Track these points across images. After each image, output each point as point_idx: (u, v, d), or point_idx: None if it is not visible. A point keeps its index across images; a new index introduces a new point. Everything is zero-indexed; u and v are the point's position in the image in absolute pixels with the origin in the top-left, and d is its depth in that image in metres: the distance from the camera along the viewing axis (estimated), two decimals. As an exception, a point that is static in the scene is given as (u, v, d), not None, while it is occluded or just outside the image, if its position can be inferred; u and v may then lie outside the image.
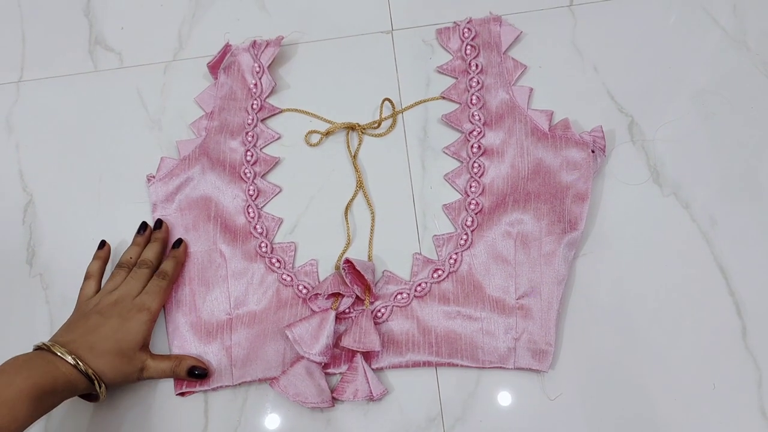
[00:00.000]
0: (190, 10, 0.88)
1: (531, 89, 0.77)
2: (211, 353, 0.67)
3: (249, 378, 0.65)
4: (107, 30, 0.87)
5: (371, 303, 0.67)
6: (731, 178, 0.71)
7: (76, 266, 0.72)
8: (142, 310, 0.65)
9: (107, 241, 0.72)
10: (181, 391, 0.66)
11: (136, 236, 0.72)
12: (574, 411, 0.63)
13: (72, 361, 0.59)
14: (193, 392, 0.67)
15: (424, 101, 0.79)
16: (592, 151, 0.70)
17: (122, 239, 0.74)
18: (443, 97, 0.79)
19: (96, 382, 0.60)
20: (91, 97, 0.83)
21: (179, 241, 0.71)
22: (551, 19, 0.82)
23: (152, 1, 0.89)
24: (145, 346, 0.65)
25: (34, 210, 0.77)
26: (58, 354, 0.59)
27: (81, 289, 0.68)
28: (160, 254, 0.71)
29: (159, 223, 0.72)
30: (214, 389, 0.67)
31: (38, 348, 0.60)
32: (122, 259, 0.70)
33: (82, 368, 0.59)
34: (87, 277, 0.69)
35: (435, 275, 0.68)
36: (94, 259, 0.70)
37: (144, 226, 0.73)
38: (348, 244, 0.72)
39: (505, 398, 0.64)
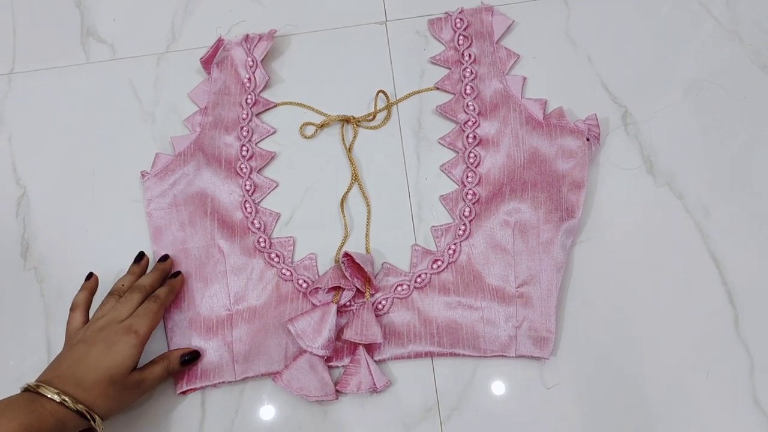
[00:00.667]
0: (183, 1, 0.87)
1: (524, 78, 0.77)
2: (211, 349, 0.67)
3: (252, 373, 0.65)
4: (99, 21, 0.87)
5: (372, 295, 0.68)
6: (724, 168, 0.72)
7: (70, 259, 0.73)
8: (130, 332, 0.60)
9: (101, 236, 0.71)
10: (182, 390, 0.66)
11: (132, 265, 0.69)
12: (568, 398, 0.64)
13: (58, 399, 0.55)
14: (195, 389, 0.66)
15: (418, 92, 0.79)
16: (587, 140, 0.71)
17: (115, 235, 0.74)
18: (437, 88, 0.79)
19: (89, 416, 0.56)
20: (83, 89, 0.82)
21: (177, 273, 0.69)
22: (544, 9, 0.82)
23: (144, -8, 0.88)
24: (134, 368, 0.61)
25: (27, 203, 0.77)
26: (43, 393, 0.55)
27: (68, 322, 0.64)
28: (156, 283, 0.68)
29: (165, 257, 0.70)
30: (215, 385, 0.66)
31: (25, 389, 0.56)
32: (114, 287, 0.67)
33: (71, 405, 0.55)
34: (73, 309, 0.65)
35: (434, 266, 0.69)
36: (80, 290, 0.66)
37: (141, 255, 0.70)
38: (346, 237, 0.72)
39: (500, 388, 0.65)
